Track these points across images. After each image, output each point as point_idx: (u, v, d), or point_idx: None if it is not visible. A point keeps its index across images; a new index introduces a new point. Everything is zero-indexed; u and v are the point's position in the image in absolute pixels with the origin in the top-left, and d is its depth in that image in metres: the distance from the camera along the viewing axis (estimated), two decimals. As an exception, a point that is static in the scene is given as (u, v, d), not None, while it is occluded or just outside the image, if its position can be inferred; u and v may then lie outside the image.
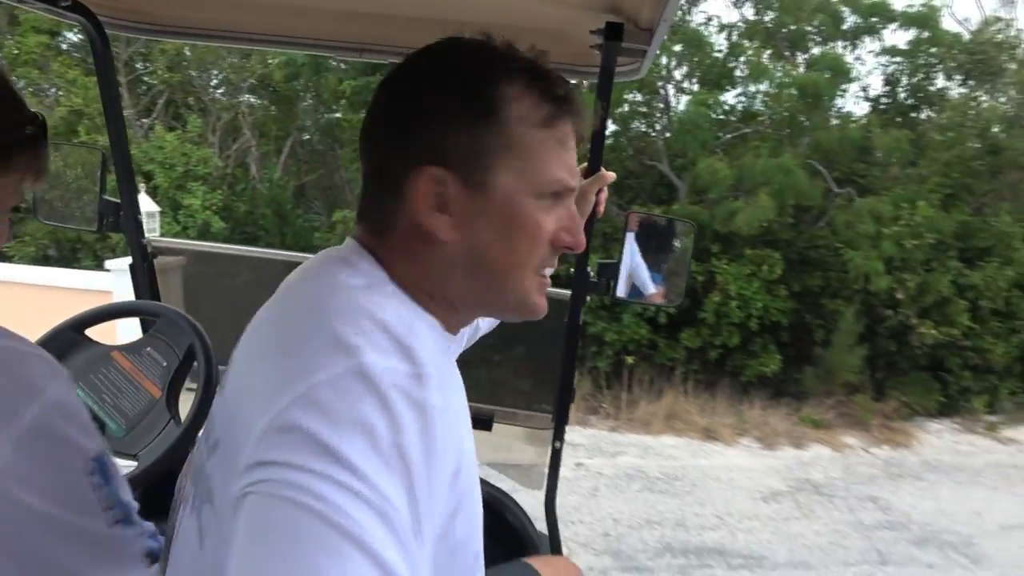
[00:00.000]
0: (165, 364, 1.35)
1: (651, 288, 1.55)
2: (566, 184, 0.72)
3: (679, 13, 9.67)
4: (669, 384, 8.04)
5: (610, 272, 1.51)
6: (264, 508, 0.51)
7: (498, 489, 1.71)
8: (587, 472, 6.06)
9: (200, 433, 0.81)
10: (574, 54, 1.37)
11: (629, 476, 6.04)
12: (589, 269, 1.49)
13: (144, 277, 1.74)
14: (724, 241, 8.39)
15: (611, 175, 1.24)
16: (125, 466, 1.22)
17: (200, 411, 1.27)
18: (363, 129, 0.74)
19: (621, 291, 1.51)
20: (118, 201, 1.65)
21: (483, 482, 1.41)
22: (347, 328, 0.60)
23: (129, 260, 1.77)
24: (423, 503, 0.54)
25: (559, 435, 1.62)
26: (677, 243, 1.62)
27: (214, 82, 12.33)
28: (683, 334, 8.23)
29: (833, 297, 8.41)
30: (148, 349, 1.37)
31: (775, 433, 7.23)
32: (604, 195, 1.27)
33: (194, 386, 1.32)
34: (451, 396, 0.62)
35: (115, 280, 5.98)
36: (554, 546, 1.65)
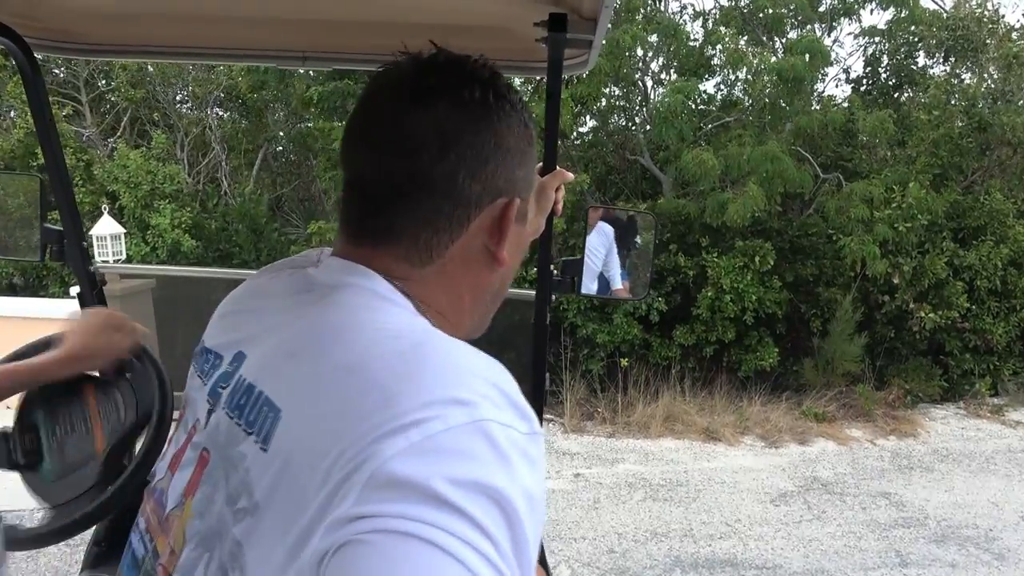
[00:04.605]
0: (122, 417, 1.22)
1: (619, 283, 1.57)
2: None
3: (649, 2, 9.48)
4: (665, 384, 7.78)
5: (574, 269, 1.50)
6: (382, 548, 0.47)
7: None
8: (586, 483, 5.78)
9: (185, 494, 0.70)
10: (522, 50, 1.35)
11: (630, 485, 5.77)
12: (553, 267, 1.48)
13: (94, 306, 1.63)
14: (713, 234, 8.14)
15: (569, 175, 1.25)
16: (36, 509, 1.15)
17: (124, 486, 1.12)
18: (375, 137, 0.69)
19: (586, 287, 1.51)
20: (61, 229, 1.57)
21: None
22: (453, 379, 0.57)
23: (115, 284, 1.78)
24: (527, 563, 0.52)
25: None
26: (639, 237, 1.62)
27: (179, 97, 12.00)
28: (677, 331, 7.97)
29: (828, 285, 8.19)
30: (117, 394, 1.24)
31: (778, 429, 6.99)
32: (562, 193, 1.26)
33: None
34: None
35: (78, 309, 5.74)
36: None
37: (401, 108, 0.67)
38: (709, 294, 7.72)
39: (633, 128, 9.99)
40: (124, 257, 7.54)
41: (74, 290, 6.46)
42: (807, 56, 8.11)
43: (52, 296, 8.65)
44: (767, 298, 7.78)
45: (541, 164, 1.23)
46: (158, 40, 1.52)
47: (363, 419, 0.53)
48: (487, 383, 0.57)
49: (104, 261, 6.94)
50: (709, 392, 7.82)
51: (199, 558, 0.63)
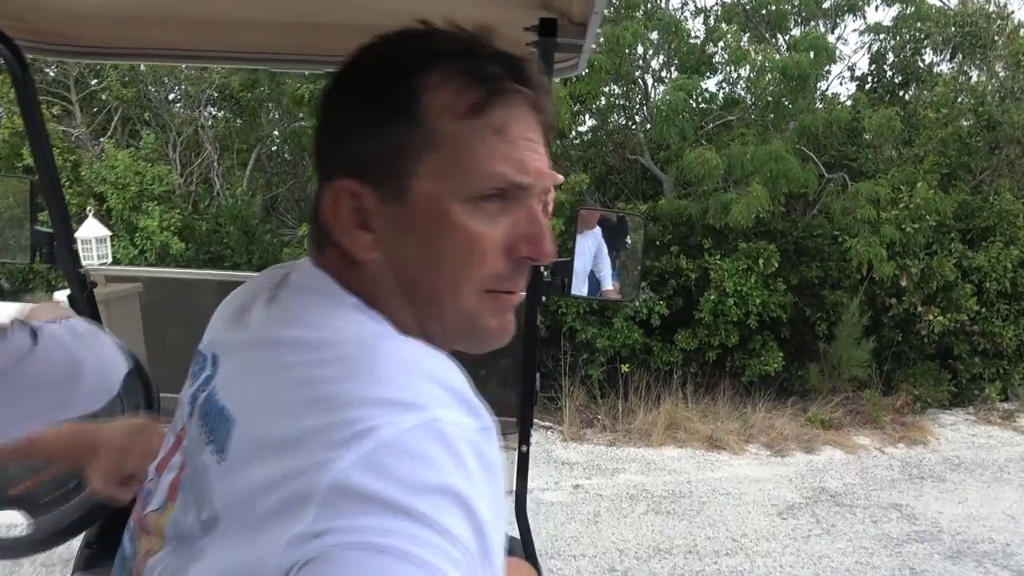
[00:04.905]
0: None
1: (609, 284, 1.56)
2: (512, 180, 0.61)
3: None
4: (667, 389, 7.57)
5: (564, 270, 1.49)
6: (350, 564, 0.45)
7: None
8: (586, 495, 5.58)
9: (167, 498, 0.68)
10: None
11: (632, 497, 5.56)
12: (543, 268, 1.47)
13: (85, 309, 1.65)
14: (716, 235, 7.93)
15: (559, 176, 1.18)
16: (10, 525, 1.14)
17: None
18: None
19: (576, 289, 1.50)
20: (51, 231, 1.58)
21: None
22: (399, 382, 0.55)
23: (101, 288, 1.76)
24: (495, 562, 0.51)
25: (524, 439, 1.61)
26: (628, 237, 1.61)
27: (172, 96, 11.79)
28: (679, 336, 7.76)
29: (834, 288, 7.97)
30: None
31: (783, 437, 6.78)
32: (552, 195, 1.20)
33: None
34: None
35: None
36: (527, 552, 1.62)
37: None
38: (712, 297, 7.51)
39: (633, 127, 9.79)
40: (110, 260, 7.33)
41: (58, 294, 6.33)
42: (811, 53, 7.90)
43: (38, 299, 8.44)
44: (771, 301, 7.57)
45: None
46: (149, 43, 1.52)
47: (313, 430, 0.52)
48: (433, 381, 0.56)
49: (89, 264, 6.74)
50: (712, 398, 7.62)
51: (172, 563, 0.62)
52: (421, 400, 0.53)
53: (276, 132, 11.78)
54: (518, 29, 1.18)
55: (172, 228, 8.48)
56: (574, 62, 1.34)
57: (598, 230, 1.56)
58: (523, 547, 1.62)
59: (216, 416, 0.62)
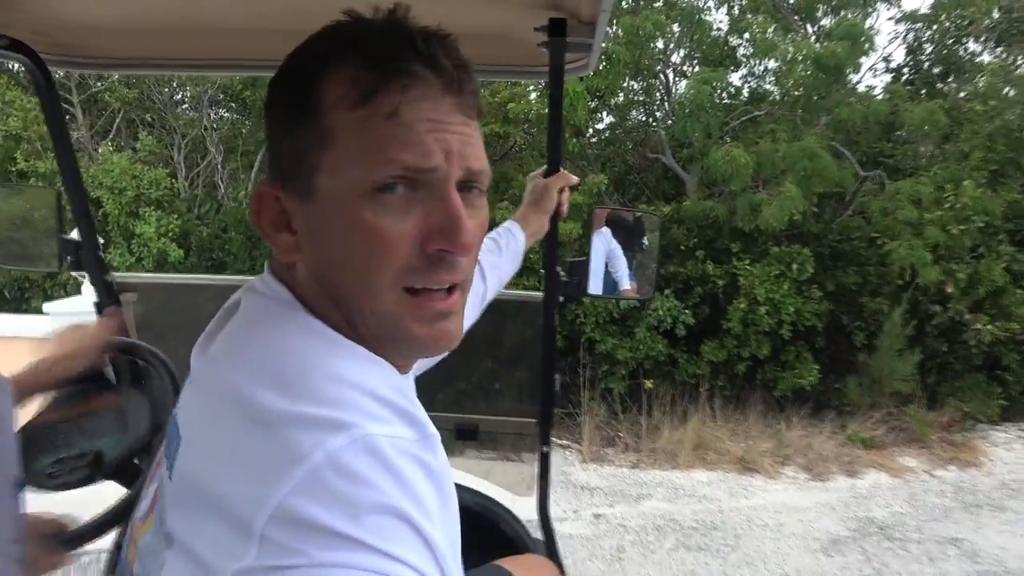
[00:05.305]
0: (140, 423, 1.21)
1: (627, 283, 1.55)
2: (412, 166, 0.57)
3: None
4: (694, 404, 7.06)
5: (581, 270, 1.50)
6: None
7: (490, 499, 1.70)
8: (608, 526, 5.09)
9: (148, 509, 0.69)
10: (522, 55, 1.36)
11: (659, 529, 5.06)
12: (559, 269, 1.48)
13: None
14: (745, 239, 7.41)
15: (574, 178, 1.36)
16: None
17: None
18: None
19: (593, 288, 1.51)
20: (78, 239, 1.63)
21: (475, 493, 1.68)
22: (331, 399, 0.53)
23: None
24: (449, 571, 0.51)
25: (545, 440, 1.61)
26: (645, 237, 1.61)
27: (178, 96, 11.44)
28: (705, 347, 7.24)
29: (873, 295, 7.42)
30: (135, 399, 1.25)
31: (822, 458, 6.25)
32: (567, 195, 1.35)
33: None
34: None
35: (54, 325, 5.23)
36: (551, 551, 1.61)
37: None
38: (741, 306, 6.99)
39: (654, 124, 9.29)
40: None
41: (48, 306, 5.98)
42: (847, 42, 7.35)
43: (36, 311, 8.09)
44: (805, 310, 7.04)
45: (546, 167, 1.33)
46: (170, 53, 1.53)
47: (247, 454, 0.52)
48: (366, 394, 0.55)
49: (80, 276, 6.38)
50: (742, 413, 7.10)
51: (145, 571, 0.63)
52: (353, 417, 0.52)
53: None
54: (528, 30, 1.19)
55: (170, 234, 8.08)
56: (584, 61, 1.35)
57: (608, 230, 1.54)
58: (547, 548, 1.62)
59: (172, 434, 0.64)
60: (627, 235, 1.56)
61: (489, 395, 2.09)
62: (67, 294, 7.60)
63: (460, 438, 1.83)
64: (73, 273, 1.83)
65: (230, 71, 1.68)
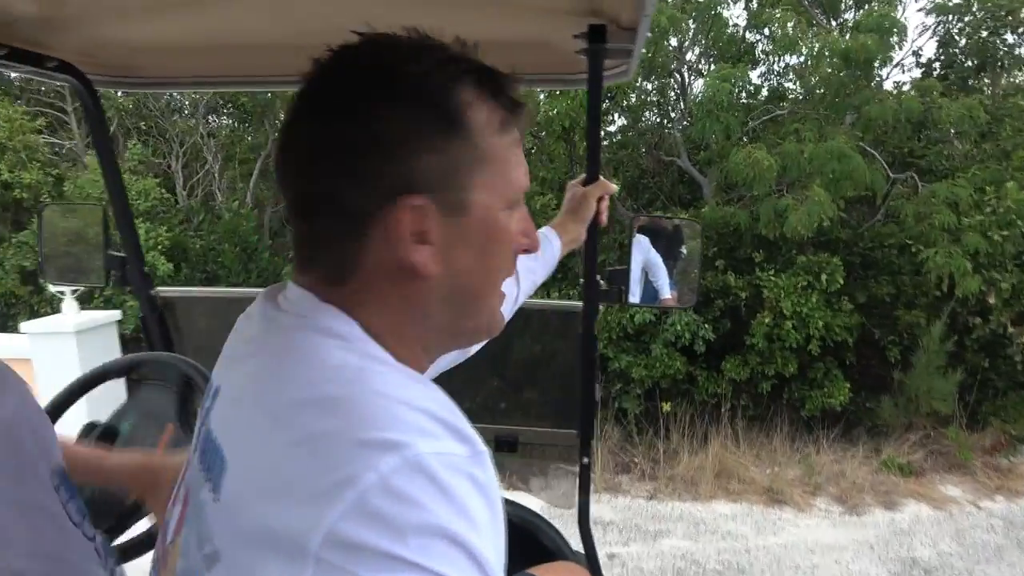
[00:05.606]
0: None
1: (668, 292, 1.55)
2: (526, 187, 0.70)
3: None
4: (715, 426, 6.56)
5: (621, 278, 1.49)
6: None
7: (530, 511, 1.69)
8: (623, 569, 4.60)
9: (175, 531, 0.69)
10: (561, 63, 1.36)
11: (680, 572, 4.57)
12: (599, 278, 1.49)
13: (156, 329, 1.75)
14: (768, 247, 6.92)
15: (613, 186, 1.37)
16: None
17: None
18: (284, 161, 0.65)
19: (634, 297, 1.50)
20: (123, 255, 1.68)
21: (515, 504, 1.68)
22: (382, 418, 0.54)
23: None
24: None
25: (585, 451, 1.59)
26: (685, 245, 1.60)
27: (174, 103, 11.07)
28: (727, 364, 6.75)
29: (908, 307, 6.89)
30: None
31: (856, 488, 5.72)
32: (605, 203, 1.35)
33: None
34: None
35: (32, 345, 5.12)
36: (591, 564, 1.59)
37: (288, 130, 0.65)
38: (766, 320, 6.49)
39: (668, 125, 8.82)
40: (69, 288, 6.52)
41: (25, 325, 5.63)
42: (877, 35, 6.83)
43: (18, 328, 7.73)
44: (835, 323, 6.53)
45: (585, 176, 1.37)
46: (212, 70, 1.55)
47: (299, 477, 0.52)
48: (418, 411, 0.55)
49: (60, 293, 6.01)
50: (767, 436, 6.58)
51: None
52: (403, 436, 0.52)
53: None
54: (567, 37, 1.19)
55: (160, 247, 7.69)
56: (624, 67, 1.34)
57: (646, 239, 1.54)
58: (588, 561, 1.62)
59: (212, 453, 0.63)
60: (666, 243, 1.56)
61: (527, 406, 2.11)
62: (53, 311, 7.22)
63: (500, 450, 1.82)
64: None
65: (273, 87, 1.78)
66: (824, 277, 6.48)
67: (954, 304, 6.69)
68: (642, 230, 1.54)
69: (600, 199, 1.33)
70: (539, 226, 1.30)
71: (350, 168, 0.60)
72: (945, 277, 6.47)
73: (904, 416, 6.56)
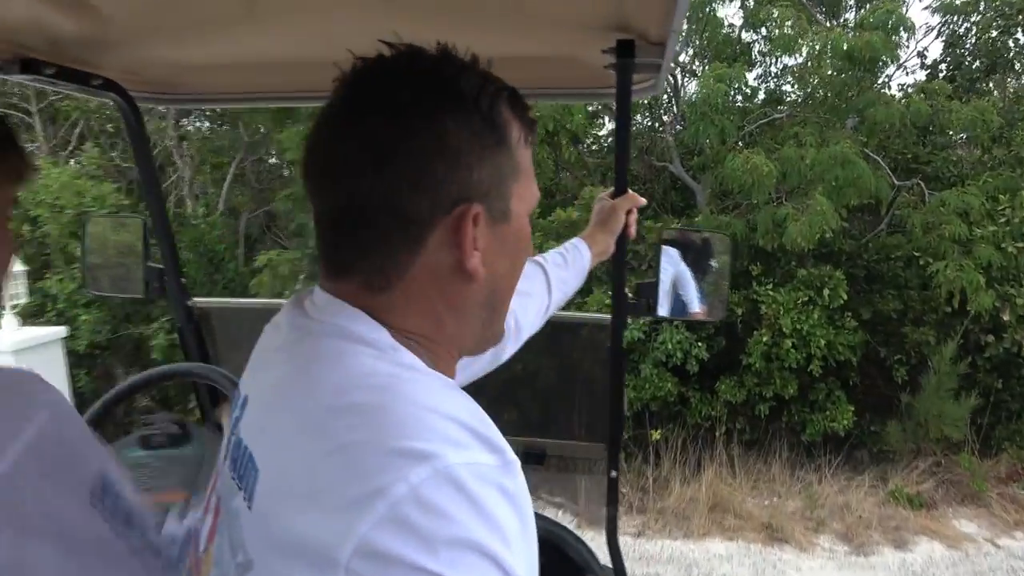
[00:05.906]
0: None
1: (696, 305, 1.56)
2: (537, 195, 0.72)
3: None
4: (708, 452, 6.10)
5: (649, 291, 1.52)
6: None
7: (559, 525, 1.70)
8: (607, 622, 4.11)
9: (208, 540, 0.70)
10: (589, 77, 1.37)
11: (669, 627, 4.09)
12: (627, 291, 1.50)
13: (192, 340, 1.78)
14: (766, 259, 6.45)
15: (641, 199, 1.38)
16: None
17: None
18: (326, 165, 0.65)
19: (662, 310, 1.52)
20: (161, 267, 1.72)
21: (544, 519, 1.64)
22: (412, 427, 0.54)
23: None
24: None
25: (613, 464, 1.60)
26: (714, 258, 1.60)
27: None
28: (721, 385, 6.27)
29: (916, 324, 6.42)
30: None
31: (862, 523, 5.26)
32: (634, 216, 1.37)
33: None
34: None
35: None
36: None
37: (335, 132, 0.64)
38: (764, 338, 6.01)
39: (660, 129, 8.35)
40: (24, 300, 6.03)
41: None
42: (882, 33, 6.38)
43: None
44: (838, 341, 6.05)
45: (613, 188, 1.38)
46: (251, 87, 1.59)
47: (331, 486, 0.52)
48: (449, 419, 0.55)
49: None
50: (765, 462, 6.12)
51: None
52: (434, 446, 0.52)
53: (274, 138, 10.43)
54: (595, 52, 1.19)
55: (116, 257, 7.18)
56: (652, 82, 1.34)
57: (677, 252, 1.53)
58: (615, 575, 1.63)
59: (245, 462, 0.63)
60: (695, 256, 1.55)
61: (555, 418, 2.09)
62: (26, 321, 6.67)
63: (527, 462, 1.73)
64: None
65: (313, 102, 1.51)
66: (826, 292, 6.01)
67: (965, 321, 6.23)
68: (671, 243, 1.54)
69: (628, 212, 1.35)
70: (564, 239, 1.36)
71: (415, 175, 0.61)
72: (956, 292, 6.01)
73: (912, 441, 6.09)
